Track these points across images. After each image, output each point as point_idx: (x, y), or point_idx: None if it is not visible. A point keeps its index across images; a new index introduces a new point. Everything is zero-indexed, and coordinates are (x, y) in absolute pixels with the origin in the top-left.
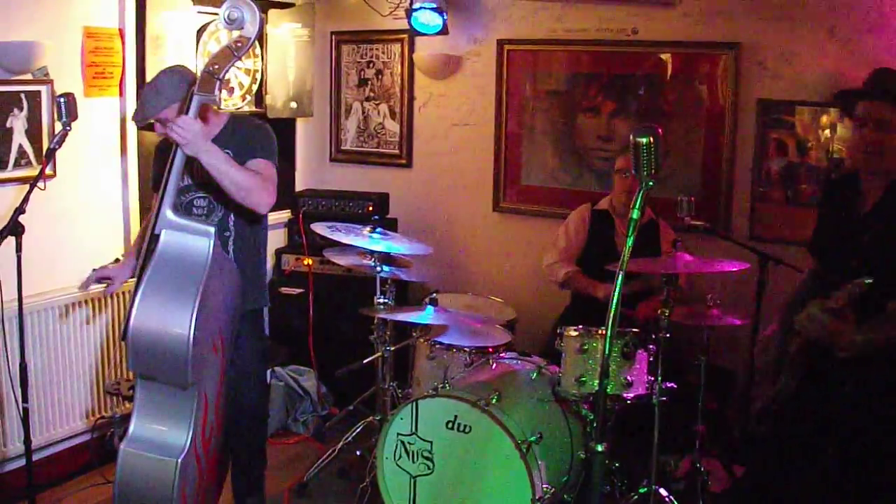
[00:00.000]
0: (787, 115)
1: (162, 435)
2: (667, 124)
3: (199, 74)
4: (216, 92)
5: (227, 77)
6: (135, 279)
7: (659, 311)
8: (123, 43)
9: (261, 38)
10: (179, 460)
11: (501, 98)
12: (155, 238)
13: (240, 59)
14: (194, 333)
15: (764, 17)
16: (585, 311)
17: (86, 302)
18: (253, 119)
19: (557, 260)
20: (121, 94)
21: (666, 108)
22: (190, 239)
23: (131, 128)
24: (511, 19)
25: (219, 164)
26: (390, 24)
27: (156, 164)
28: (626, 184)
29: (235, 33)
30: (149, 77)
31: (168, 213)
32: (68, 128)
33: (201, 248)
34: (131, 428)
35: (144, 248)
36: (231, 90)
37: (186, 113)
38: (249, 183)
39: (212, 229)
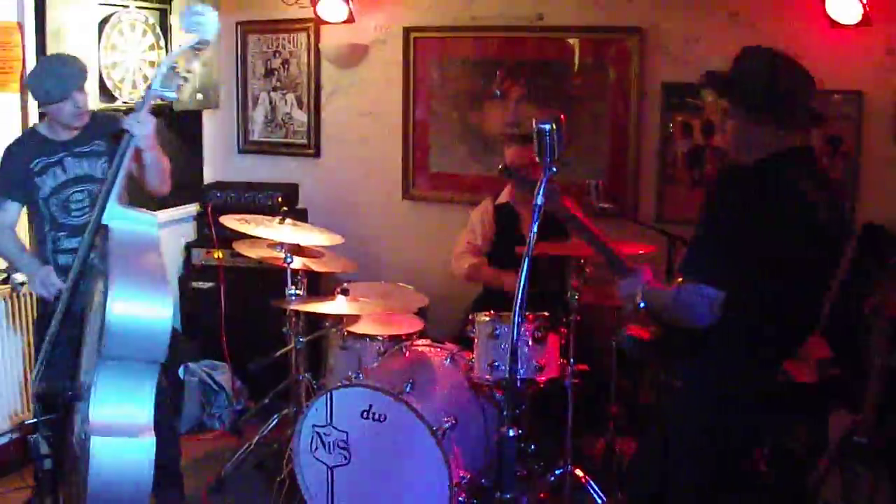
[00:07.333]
0: (691, 98)
1: (128, 416)
2: (574, 109)
3: (157, 70)
4: (176, 90)
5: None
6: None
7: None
8: (23, 37)
9: (164, 29)
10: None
11: (409, 86)
12: (104, 228)
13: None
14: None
15: (668, 3)
16: (497, 298)
17: (9, 300)
18: (106, 112)
19: (464, 251)
20: (21, 89)
21: (573, 92)
22: (138, 225)
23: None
24: (418, 6)
25: (158, 154)
26: (296, 13)
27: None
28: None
29: (195, 37)
30: None
31: (115, 204)
32: None
33: (151, 232)
34: (92, 418)
35: (86, 240)
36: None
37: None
38: (168, 170)
39: (155, 215)
